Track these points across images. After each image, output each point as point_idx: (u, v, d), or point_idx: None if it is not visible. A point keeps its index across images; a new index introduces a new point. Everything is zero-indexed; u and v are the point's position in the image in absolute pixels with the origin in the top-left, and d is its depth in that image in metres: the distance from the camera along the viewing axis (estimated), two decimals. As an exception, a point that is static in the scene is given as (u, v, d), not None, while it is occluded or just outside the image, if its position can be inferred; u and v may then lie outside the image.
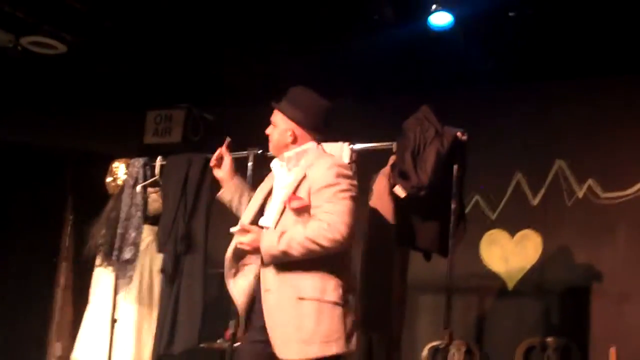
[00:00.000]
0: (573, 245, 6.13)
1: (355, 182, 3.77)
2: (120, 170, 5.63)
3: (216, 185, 5.30)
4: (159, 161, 5.45)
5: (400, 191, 4.52)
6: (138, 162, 5.48)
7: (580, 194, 6.18)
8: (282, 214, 3.78)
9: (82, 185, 7.31)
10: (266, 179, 4.09)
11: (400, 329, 4.80)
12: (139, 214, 5.31)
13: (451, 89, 6.36)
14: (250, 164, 5.17)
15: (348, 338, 3.69)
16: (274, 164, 4.02)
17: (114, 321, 5.48)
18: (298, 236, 3.64)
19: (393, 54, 5.92)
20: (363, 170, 4.81)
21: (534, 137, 6.33)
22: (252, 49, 6.27)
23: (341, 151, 4.92)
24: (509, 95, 6.41)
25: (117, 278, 5.39)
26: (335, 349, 3.65)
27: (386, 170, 4.72)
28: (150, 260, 5.69)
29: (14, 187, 7.64)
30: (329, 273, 3.70)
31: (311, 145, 3.92)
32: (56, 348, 7.69)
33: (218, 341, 5.94)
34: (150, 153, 5.82)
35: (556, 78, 6.25)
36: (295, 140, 3.90)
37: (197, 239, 5.17)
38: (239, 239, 3.76)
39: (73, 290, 7.82)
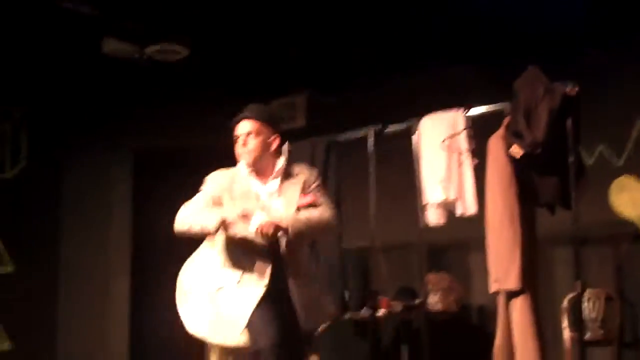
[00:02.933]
0: (703, 183, 6.07)
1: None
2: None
3: (342, 164, 5.59)
4: (286, 147, 5.72)
5: (516, 151, 4.67)
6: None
7: None
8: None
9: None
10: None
11: (535, 282, 4.95)
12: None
13: (558, 46, 6.38)
14: (371, 139, 5.37)
15: None
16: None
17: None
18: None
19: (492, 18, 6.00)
20: (478, 134, 4.97)
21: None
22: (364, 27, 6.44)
23: (456, 118, 5.09)
24: (615, 43, 6.35)
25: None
26: None
27: (501, 132, 4.87)
28: None
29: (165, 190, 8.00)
30: None
31: None
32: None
33: (362, 311, 6.22)
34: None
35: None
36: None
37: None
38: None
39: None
